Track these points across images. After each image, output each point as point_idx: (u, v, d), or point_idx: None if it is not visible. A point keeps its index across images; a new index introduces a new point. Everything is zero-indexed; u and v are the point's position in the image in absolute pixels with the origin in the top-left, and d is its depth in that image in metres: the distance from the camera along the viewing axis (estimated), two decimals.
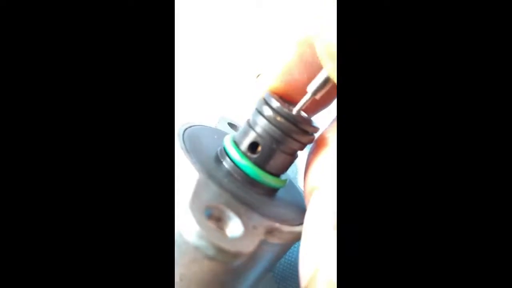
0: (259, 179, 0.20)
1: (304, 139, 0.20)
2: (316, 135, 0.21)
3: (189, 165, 0.19)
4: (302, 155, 0.22)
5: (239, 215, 0.17)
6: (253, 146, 0.20)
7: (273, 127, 0.20)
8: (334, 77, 0.17)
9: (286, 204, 0.22)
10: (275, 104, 0.20)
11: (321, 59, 0.17)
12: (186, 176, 0.18)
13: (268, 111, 0.20)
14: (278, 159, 0.20)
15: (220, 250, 0.15)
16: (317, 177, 0.18)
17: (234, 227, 0.17)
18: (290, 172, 0.26)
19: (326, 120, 0.21)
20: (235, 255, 0.15)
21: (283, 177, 0.22)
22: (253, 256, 0.18)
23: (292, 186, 0.24)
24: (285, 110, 0.19)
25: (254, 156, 0.20)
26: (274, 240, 0.19)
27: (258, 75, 0.22)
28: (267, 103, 0.20)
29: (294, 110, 0.20)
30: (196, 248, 0.15)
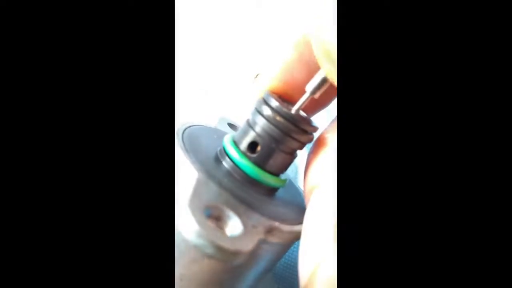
0: (258, 179, 0.20)
1: (303, 138, 0.20)
2: (316, 135, 0.21)
3: (188, 164, 0.19)
4: (302, 154, 0.22)
5: (239, 215, 0.17)
6: (252, 146, 0.20)
7: (272, 127, 0.20)
8: (331, 76, 0.17)
9: (286, 204, 0.22)
10: (274, 103, 0.20)
11: (318, 59, 0.17)
12: (186, 176, 0.18)
13: (267, 111, 0.20)
14: (277, 159, 0.20)
15: (220, 249, 0.15)
16: (317, 176, 0.18)
17: (234, 226, 0.17)
18: (290, 171, 0.26)
19: (325, 120, 0.21)
20: (235, 253, 0.15)
21: (282, 176, 0.22)
22: (253, 256, 0.18)
23: (291, 186, 0.24)
24: (284, 109, 0.19)
25: (254, 155, 0.20)
26: (274, 239, 0.19)
27: (257, 75, 0.22)
28: (266, 102, 0.20)
29: (293, 110, 0.20)
30: (196, 247, 0.15)
